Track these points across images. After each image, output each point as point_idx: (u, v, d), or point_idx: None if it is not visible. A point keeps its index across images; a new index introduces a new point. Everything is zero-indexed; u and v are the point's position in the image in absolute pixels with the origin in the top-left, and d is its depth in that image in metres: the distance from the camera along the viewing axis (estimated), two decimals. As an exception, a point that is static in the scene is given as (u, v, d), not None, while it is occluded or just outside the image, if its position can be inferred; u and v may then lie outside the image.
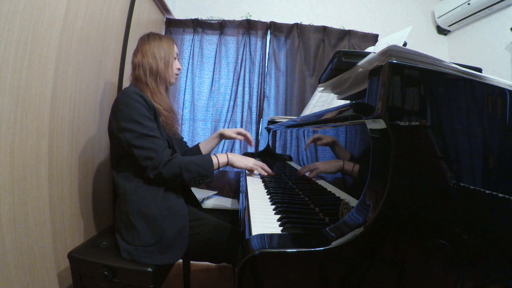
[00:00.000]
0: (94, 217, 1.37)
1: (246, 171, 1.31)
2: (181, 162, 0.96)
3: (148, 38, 1.12)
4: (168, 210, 0.96)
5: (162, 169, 0.93)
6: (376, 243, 0.46)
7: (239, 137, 1.39)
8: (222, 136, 1.41)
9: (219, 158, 1.09)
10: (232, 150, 2.14)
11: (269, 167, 1.24)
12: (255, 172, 1.24)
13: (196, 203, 1.26)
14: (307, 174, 0.97)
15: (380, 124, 0.47)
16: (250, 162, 1.18)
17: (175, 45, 1.17)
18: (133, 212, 0.94)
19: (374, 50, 0.90)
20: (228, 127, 2.13)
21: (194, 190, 1.32)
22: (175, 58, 1.16)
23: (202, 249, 1.00)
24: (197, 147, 1.39)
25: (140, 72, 1.07)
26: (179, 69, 1.19)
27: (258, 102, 2.15)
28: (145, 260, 0.90)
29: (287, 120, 1.56)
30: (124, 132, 0.94)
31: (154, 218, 0.93)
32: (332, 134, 0.80)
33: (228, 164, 1.12)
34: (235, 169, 2.00)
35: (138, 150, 0.93)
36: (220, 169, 1.14)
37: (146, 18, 1.81)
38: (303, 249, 0.46)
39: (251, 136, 1.41)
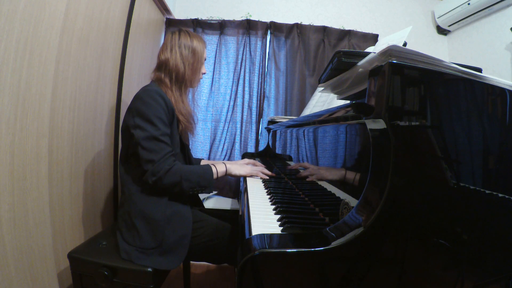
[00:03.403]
0: (94, 217, 1.37)
1: None
2: (182, 171, 0.94)
3: (179, 37, 1.07)
4: (172, 215, 0.95)
5: (163, 177, 0.91)
6: (376, 243, 0.46)
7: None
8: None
9: (218, 168, 1.07)
10: (232, 150, 2.14)
11: (269, 167, 1.24)
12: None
13: (199, 203, 1.25)
14: (305, 173, 0.97)
15: (380, 124, 0.47)
16: (248, 168, 1.17)
17: (205, 48, 1.13)
18: (136, 213, 0.93)
19: (374, 50, 0.90)
20: (228, 127, 2.13)
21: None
22: (202, 63, 1.13)
23: (203, 250, 0.99)
24: (199, 161, 1.38)
25: (166, 77, 1.05)
26: (204, 73, 1.16)
27: (258, 102, 2.15)
28: (142, 262, 0.89)
29: (287, 120, 1.56)
30: (136, 129, 0.93)
31: (157, 221, 0.92)
32: (332, 134, 0.80)
33: (226, 173, 1.11)
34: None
35: (143, 151, 0.92)
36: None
37: (146, 18, 1.81)
38: (303, 249, 0.46)
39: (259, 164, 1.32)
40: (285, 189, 1.02)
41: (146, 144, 0.92)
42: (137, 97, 0.97)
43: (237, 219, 1.20)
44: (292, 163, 1.29)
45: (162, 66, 1.06)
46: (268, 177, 1.21)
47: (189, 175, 0.96)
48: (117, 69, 1.51)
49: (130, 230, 0.94)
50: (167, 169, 0.92)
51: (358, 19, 2.26)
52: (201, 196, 1.81)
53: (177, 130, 1.04)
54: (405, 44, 0.77)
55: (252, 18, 2.13)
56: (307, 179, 0.95)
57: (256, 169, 1.20)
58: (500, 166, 0.56)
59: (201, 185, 0.98)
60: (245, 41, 2.12)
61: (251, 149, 2.15)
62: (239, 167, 1.15)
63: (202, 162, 1.38)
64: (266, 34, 2.15)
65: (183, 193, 0.98)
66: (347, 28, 2.16)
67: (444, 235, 0.49)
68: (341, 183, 0.70)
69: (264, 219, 0.69)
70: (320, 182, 0.85)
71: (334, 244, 0.46)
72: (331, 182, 0.77)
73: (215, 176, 1.05)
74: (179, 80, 1.06)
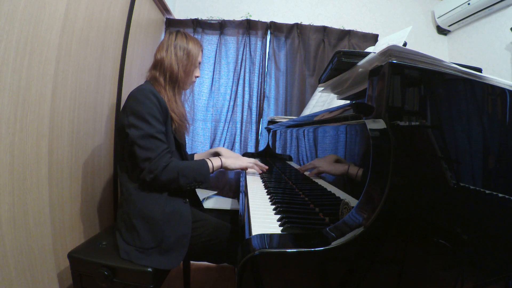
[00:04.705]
0: (94, 217, 1.36)
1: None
2: (178, 167, 0.95)
3: (176, 38, 1.08)
4: (171, 214, 0.95)
5: (160, 174, 0.92)
6: (376, 243, 0.46)
7: None
8: (217, 155, 1.38)
9: (213, 162, 1.07)
10: (232, 150, 2.14)
11: (269, 167, 1.24)
12: (252, 171, 1.24)
13: (198, 203, 1.25)
14: (308, 172, 0.97)
15: (380, 124, 0.47)
16: (244, 162, 1.17)
17: (201, 52, 1.14)
18: (135, 213, 0.93)
19: (374, 50, 0.90)
20: (228, 127, 2.13)
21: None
22: (196, 67, 1.14)
23: (203, 250, 1.00)
24: (192, 156, 1.38)
25: (160, 76, 1.06)
26: (197, 76, 1.17)
27: (258, 102, 2.15)
28: (142, 262, 0.90)
29: (287, 120, 1.56)
30: (131, 128, 0.93)
31: (156, 221, 0.92)
32: (332, 134, 0.80)
33: (222, 167, 1.11)
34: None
35: (140, 150, 0.92)
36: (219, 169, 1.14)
37: (146, 18, 1.81)
38: (303, 249, 0.46)
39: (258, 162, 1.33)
40: (285, 189, 1.02)
41: (142, 143, 0.92)
42: (131, 96, 0.97)
43: (237, 219, 1.20)
44: (292, 163, 1.29)
45: (157, 65, 1.07)
46: (262, 171, 1.22)
47: (185, 171, 0.96)
48: (117, 69, 1.51)
49: (129, 230, 0.94)
50: (164, 166, 0.93)
51: (358, 19, 2.25)
52: (201, 196, 1.81)
53: (171, 128, 1.05)
54: (405, 44, 0.77)
55: (252, 18, 2.13)
56: (309, 173, 0.95)
57: (251, 161, 1.20)
58: (500, 166, 0.56)
59: (198, 180, 0.99)
60: (245, 41, 2.12)
61: (251, 149, 2.15)
62: (234, 160, 1.15)
63: (196, 156, 1.39)
64: (266, 34, 2.15)
65: (181, 189, 0.99)
66: (347, 28, 2.16)
67: (444, 235, 0.49)
68: (341, 183, 0.70)
69: (264, 219, 0.69)
70: (320, 182, 0.85)
71: (334, 244, 0.46)
72: (331, 182, 0.77)
73: (211, 170, 1.05)
74: (172, 80, 1.07)
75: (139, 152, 0.93)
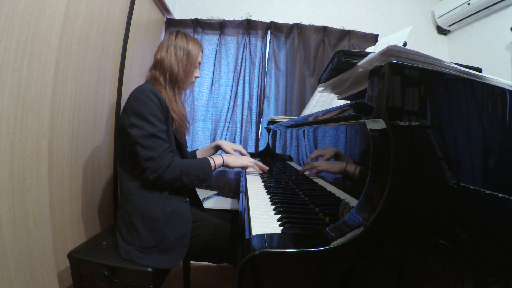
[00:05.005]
0: (94, 217, 1.36)
1: (245, 170, 1.31)
2: (181, 165, 0.96)
3: (176, 38, 1.09)
4: (171, 213, 0.95)
5: (163, 173, 0.92)
6: (376, 243, 0.46)
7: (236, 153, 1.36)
8: (219, 148, 1.40)
9: (215, 160, 1.08)
10: (232, 150, 2.14)
11: (269, 167, 1.24)
12: (252, 170, 1.24)
13: (198, 203, 1.25)
14: (308, 172, 0.97)
15: (380, 124, 0.47)
16: (244, 160, 1.18)
17: (201, 52, 1.15)
18: (135, 213, 0.93)
19: (374, 50, 0.90)
20: (228, 127, 2.13)
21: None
22: (196, 67, 1.14)
23: (203, 250, 1.00)
24: (194, 153, 1.39)
25: (160, 76, 1.06)
26: (197, 77, 1.17)
27: (258, 102, 2.15)
28: (142, 261, 0.90)
29: (287, 120, 1.56)
30: (133, 128, 0.93)
31: (156, 220, 0.92)
32: (332, 134, 0.80)
33: (223, 165, 1.12)
34: (235, 169, 2.01)
35: (142, 149, 0.93)
36: (219, 169, 1.15)
37: (146, 18, 1.81)
38: (303, 249, 0.46)
39: (248, 153, 1.37)
40: (285, 189, 1.02)
41: (144, 142, 0.92)
42: (132, 97, 0.98)
43: (237, 219, 1.20)
44: (292, 163, 1.29)
45: (157, 65, 1.07)
46: (262, 171, 1.23)
47: (188, 169, 0.97)
48: (117, 69, 1.51)
49: (129, 230, 0.94)
50: (167, 165, 0.93)
51: (358, 19, 2.25)
52: (201, 196, 1.81)
53: (172, 128, 1.05)
54: (405, 44, 0.77)
55: (252, 18, 2.13)
56: (308, 173, 0.95)
57: (251, 160, 1.21)
58: (500, 166, 0.56)
59: (200, 178, 1.00)
60: (245, 41, 2.12)
61: (251, 149, 2.15)
62: (235, 158, 1.17)
63: (198, 152, 1.39)
64: (266, 34, 2.15)
65: (184, 188, 0.99)
66: (347, 28, 2.16)
67: (444, 235, 0.49)
68: (341, 183, 0.70)
69: (264, 219, 0.69)
70: (320, 182, 0.85)
71: (334, 244, 0.46)
72: (331, 182, 0.77)
73: (213, 168, 1.06)
74: (172, 80, 1.08)
75: (141, 152, 0.93)
